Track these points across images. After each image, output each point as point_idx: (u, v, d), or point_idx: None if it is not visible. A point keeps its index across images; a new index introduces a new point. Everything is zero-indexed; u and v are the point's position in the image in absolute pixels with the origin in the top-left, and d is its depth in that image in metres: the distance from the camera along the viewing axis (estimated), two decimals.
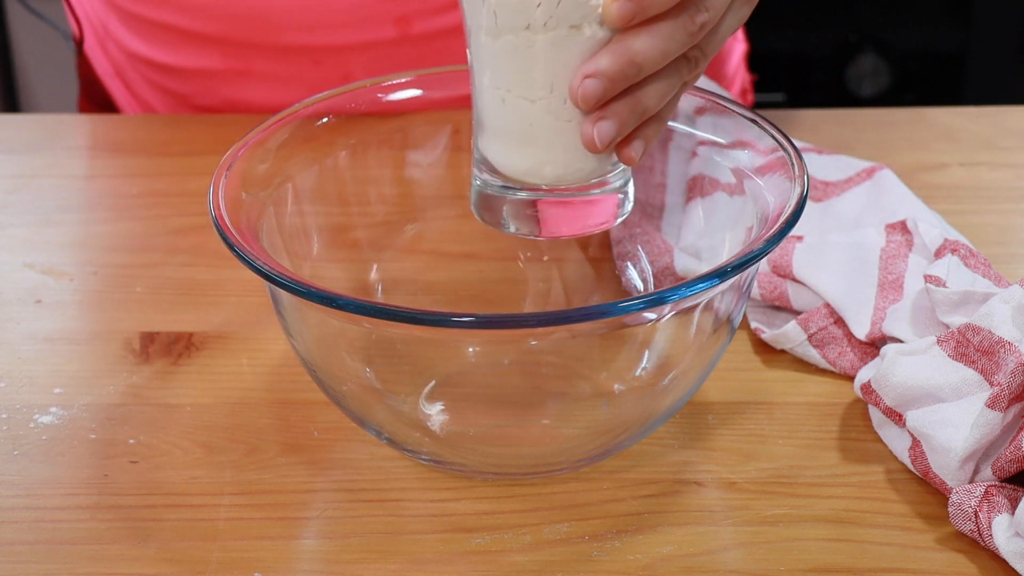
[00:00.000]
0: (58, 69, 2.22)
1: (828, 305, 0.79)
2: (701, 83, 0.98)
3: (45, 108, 2.30)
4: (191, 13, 1.02)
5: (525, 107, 0.66)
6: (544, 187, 0.68)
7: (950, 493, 0.67)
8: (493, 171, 0.68)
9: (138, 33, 1.06)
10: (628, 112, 0.65)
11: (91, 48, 1.14)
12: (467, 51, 0.67)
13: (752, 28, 1.30)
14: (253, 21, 1.01)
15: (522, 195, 0.68)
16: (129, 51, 1.08)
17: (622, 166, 0.69)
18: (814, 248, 0.81)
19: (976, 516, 0.66)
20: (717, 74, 1.14)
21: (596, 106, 0.64)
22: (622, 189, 0.70)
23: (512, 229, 0.69)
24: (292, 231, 0.76)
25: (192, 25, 1.02)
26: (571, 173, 0.67)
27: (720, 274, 0.64)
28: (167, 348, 0.81)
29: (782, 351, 0.80)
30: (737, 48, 1.19)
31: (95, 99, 1.17)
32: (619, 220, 0.70)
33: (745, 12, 0.69)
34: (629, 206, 0.71)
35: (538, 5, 0.63)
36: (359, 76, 0.99)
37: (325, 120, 0.78)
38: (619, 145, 0.66)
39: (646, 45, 0.63)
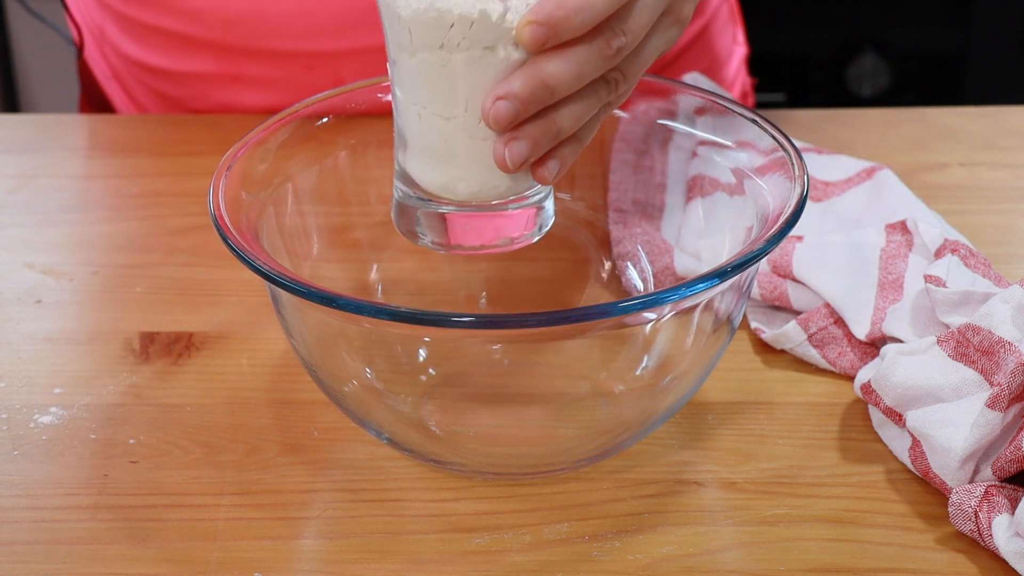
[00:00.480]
0: (58, 70, 2.22)
1: (828, 305, 0.79)
2: (701, 83, 0.98)
3: (45, 108, 2.30)
4: (185, 18, 1.02)
5: (440, 124, 0.66)
6: (458, 202, 0.68)
7: (950, 493, 0.67)
8: (412, 184, 0.69)
9: (133, 37, 1.06)
10: (541, 133, 0.65)
11: (90, 51, 1.14)
12: (387, 65, 0.67)
13: (752, 28, 1.30)
14: (246, 26, 1.01)
15: (440, 208, 0.69)
16: (124, 55, 1.08)
17: (537, 186, 0.69)
18: (814, 248, 0.81)
19: (976, 516, 0.66)
20: (716, 78, 1.14)
21: (508, 127, 0.64)
22: (539, 204, 0.70)
23: (427, 241, 0.70)
24: (292, 231, 0.76)
25: (186, 29, 1.02)
26: (486, 190, 0.68)
27: (720, 274, 0.64)
28: (167, 348, 0.81)
29: (782, 351, 0.80)
30: (737, 52, 1.19)
31: (95, 102, 1.17)
32: (537, 237, 0.70)
33: (674, 34, 0.69)
34: (550, 223, 0.71)
35: (451, 25, 0.63)
36: (352, 81, 1.00)
37: (325, 120, 0.78)
38: (534, 165, 0.66)
39: (559, 68, 0.63)
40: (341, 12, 0.99)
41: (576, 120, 0.65)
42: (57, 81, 2.24)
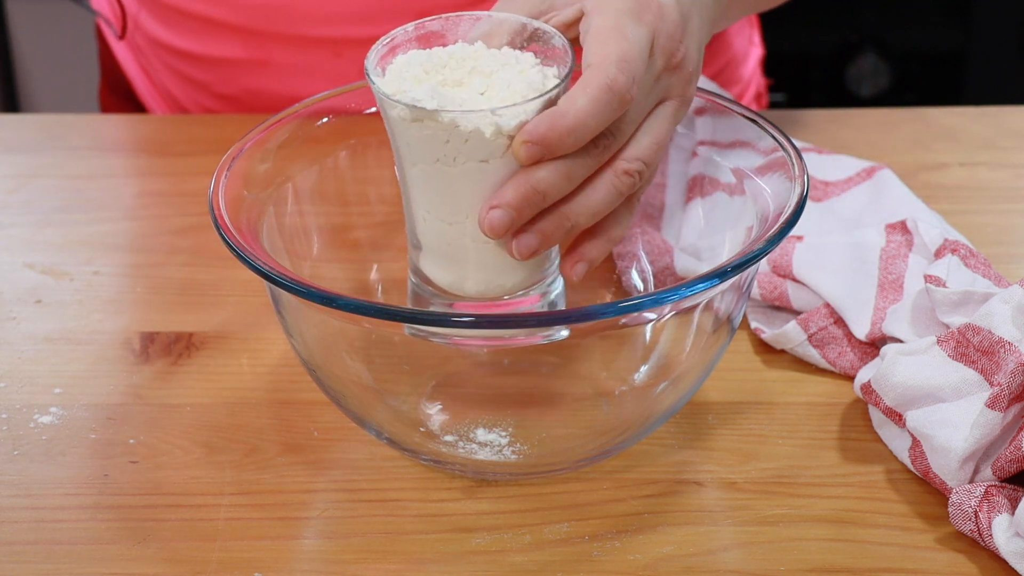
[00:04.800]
0: (58, 69, 2.22)
1: (828, 305, 0.79)
2: (701, 83, 0.98)
3: (45, 108, 2.30)
4: (214, 2, 1.02)
5: (444, 228, 0.67)
6: (467, 298, 0.69)
7: (950, 493, 0.67)
8: (424, 280, 0.70)
9: (164, 20, 1.07)
10: (552, 227, 0.66)
11: (115, 38, 1.14)
12: (395, 167, 0.68)
13: None
14: (274, 12, 1.01)
15: (449, 302, 0.70)
16: (153, 38, 1.09)
17: (549, 278, 0.70)
18: (814, 248, 0.81)
19: (976, 516, 0.66)
20: (732, 77, 1.14)
21: (504, 234, 0.65)
22: (545, 302, 0.71)
23: (436, 337, 0.71)
24: (292, 231, 0.76)
25: (215, 13, 1.03)
26: (492, 288, 0.68)
27: (720, 274, 0.64)
28: (167, 348, 0.81)
29: (782, 351, 0.80)
30: (753, 53, 1.19)
31: (116, 89, 1.17)
32: (547, 339, 0.71)
33: (682, 114, 0.70)
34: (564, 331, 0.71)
35: (446, 142, 0.64)
36: None
37: (325, 120, 0.78)
38: (565, 262, 0.68)
39: (548, 173, 0.64)
40: (370, 0, 0.99)
41: (592, 214, 0.66)
42: (57, 81, 2.24)
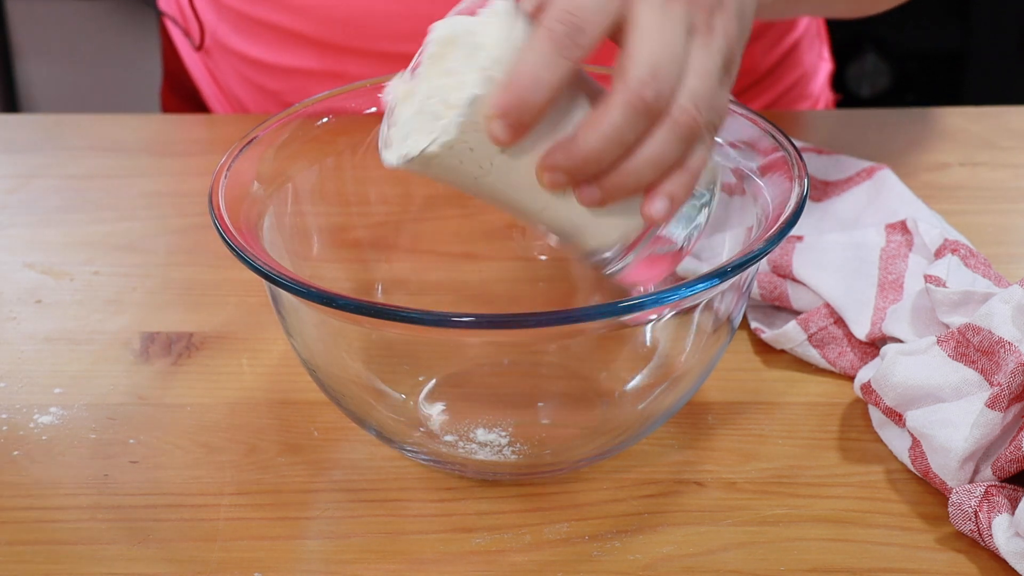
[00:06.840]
0: (58, 69, 2.22)
1: (828, 305, 0.79)
2: None
3: (45, 108, 2.30)
4: (293, 14, 1.03)
5: (539, 214, 0.66)
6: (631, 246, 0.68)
7: (950, 493, 0.67)
8: (589, 254, 0.69)
9: (239, 30, 1.07)
10: (616, 181, 0.63)
11: (184, 42, 1.15)
12: None
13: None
14: (354, 26, 1.01)
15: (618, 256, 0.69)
16: (227, 46, 1.09)
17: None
18: (814, 248, 0.81)
19: (976, 516, 0.66)
20: (803, 92, 1.14)
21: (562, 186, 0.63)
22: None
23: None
24: (292, 231, 0.76)
25: (294, 24, 1.03)
26: (634, 228, 0.66)
27: (720, 274, 0.64)
28: (167, 348, 0.81)
29: (782, 351, 0.80)
30: (823, 67, 1.19)
31: (180, 91, 1.17)
32: (694, 236, 0.69)
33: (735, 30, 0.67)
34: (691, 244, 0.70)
35: (460, 162, 0.63)
36: None
37: (325, 120, 0.78)
38: (643, 205, 0.64)
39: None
40: None
41: (655, 166, 0.63)
42: (57, 81, 2.24)
